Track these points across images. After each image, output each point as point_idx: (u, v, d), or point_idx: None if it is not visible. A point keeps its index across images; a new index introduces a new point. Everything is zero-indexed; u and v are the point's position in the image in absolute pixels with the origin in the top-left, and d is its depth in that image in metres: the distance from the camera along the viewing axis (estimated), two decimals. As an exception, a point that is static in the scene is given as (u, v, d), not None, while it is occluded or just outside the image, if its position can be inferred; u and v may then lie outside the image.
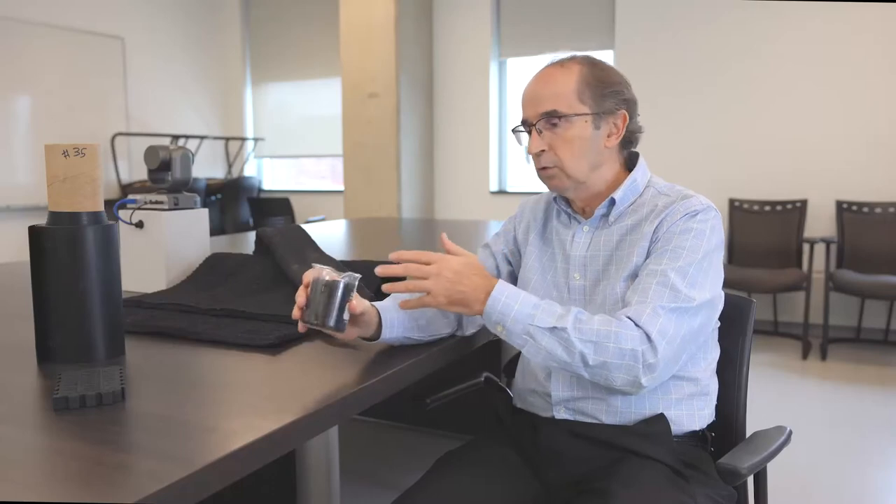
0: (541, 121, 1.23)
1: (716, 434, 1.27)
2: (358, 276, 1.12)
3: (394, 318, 1.20)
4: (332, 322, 1.10)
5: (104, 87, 5.76)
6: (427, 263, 1.11)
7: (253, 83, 6.87)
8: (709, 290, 1.16)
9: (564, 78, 1.23)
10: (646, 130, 1.32)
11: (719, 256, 1.21)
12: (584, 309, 1.25)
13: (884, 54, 4.38)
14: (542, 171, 1.27)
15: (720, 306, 1.22)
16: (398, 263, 1.12)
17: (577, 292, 1.27)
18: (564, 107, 1.22)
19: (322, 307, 1.10)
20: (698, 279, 1.15)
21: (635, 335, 1.09)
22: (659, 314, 1.10)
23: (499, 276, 1.39)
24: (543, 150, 1.24)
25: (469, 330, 1.34)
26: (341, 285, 1.09)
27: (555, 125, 1.22)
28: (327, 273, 1.10)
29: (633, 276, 1.20)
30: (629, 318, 1.11)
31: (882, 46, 4.38)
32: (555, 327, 1.09)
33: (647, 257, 1.20)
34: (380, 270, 1.12)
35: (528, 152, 1.26)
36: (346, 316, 1.10)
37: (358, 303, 1.13)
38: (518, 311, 1.10)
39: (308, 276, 1.13)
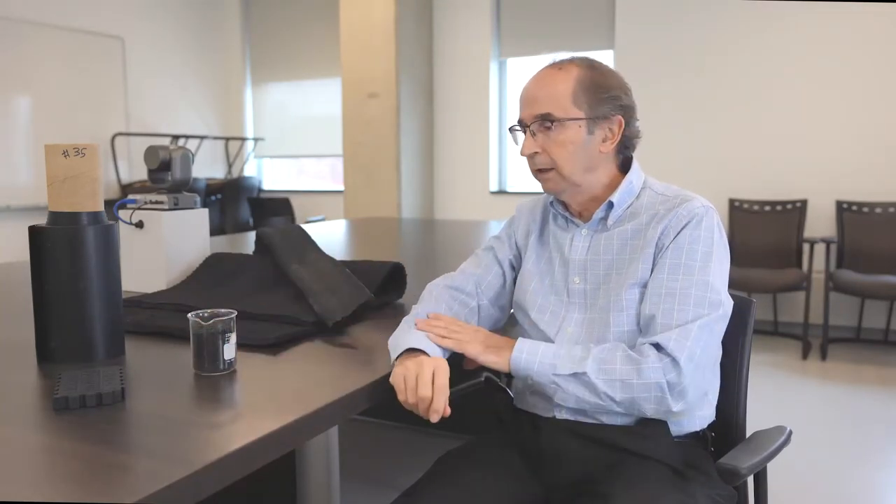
0: (535, 122, 1.23)
1: (716, 434, 1.27)
2: (229, 316, 1.09)
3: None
4: (209, 368, 1.08)
5: (104, 87, 5.76)
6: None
7: (253, 83, 6.87)
8: (726, 293, 1.18)
9: (561, 81, 1.22)
10: (646, 131, 1.31)
11: (728, 254, 1.22)
12: (585, 311, 1.25)
13: (884, 54, 4.38)
14: (537, 173, 1.27)
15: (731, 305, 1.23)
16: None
17: (578, 296, 1.27)
18: (559, 110, 1.21)
19: (202, 357, 1.08)
20: (717, 285, 1.16)
21: (659, 367, 1.10)
22: (687, 336, 1.11)
23: (504, 282, 1.38)
24: (537, 152, 1.24)
25: None
26: (204, 336, 1.07)
27: (548, 128, 1.22)
28: (200, 322, 1.08)
29: (642, 284, 1.20)
30: (656, 343, 1.12)
31: (882, 47, 4.38)
32: (576, 373, 1.12)
33: (654, 264, 1.20)
34: (421, 326, 1.20)
35: (521, 154, 1.26)
36: (226, 357, 1.08)
37: None
38: (540, 362, 1.14)
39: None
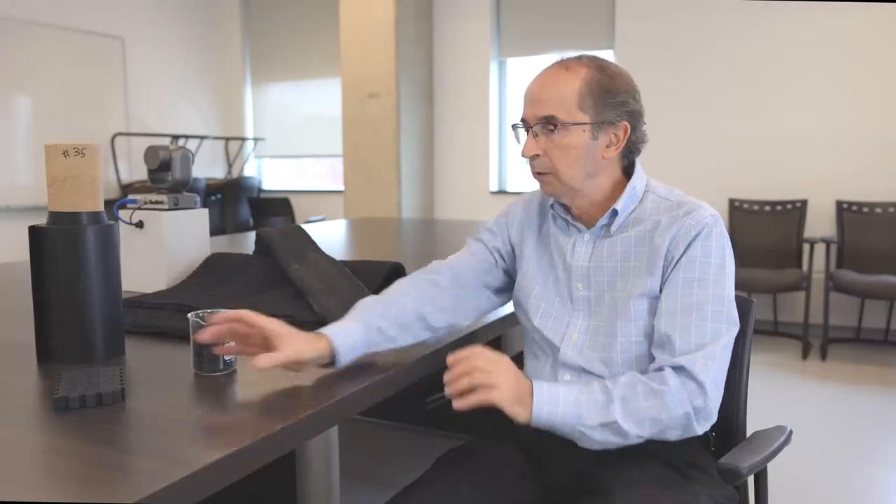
0: (538, 124, 1.20)
1: (716, 434, 1.27)
2: (201, 320, 1.09)
3: (356, 340, 1.14)
4: (209, 368, 1.09)
5: (104, 87, 5.76)
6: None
7: (253, 83, 6.86)
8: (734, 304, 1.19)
9: (568, 82, 1.18)
10: (646, 130, 1.29)
11: (734, 263, 1.22)
12: (589, 318, 1.24)
13: (884, 54, 4.38)
14: (536, 175, 1.25)
15: None
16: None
17: (582, 303, 1.26)
18: (563, 114, 1.18)
19: (202, 357, 1.09)
20: (732, 297, 1.17)
21: (684, 396, 1.10)
22: (713, 359, 1.12)
23: (492, 267, 1.37)
24: (537, 155, 1.21)
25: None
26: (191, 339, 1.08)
27: (551, 131, 1.19)
28: (200, 322, 1.08)
29: (650, 296, 1.19)
30: (679, 366, 1.11)
31: (882, 47, 4.38)
32: (604, 423, 1.09)
33: (664, 277, 1.18)
34: (448, 378, 1.11)
35: (522, 155, 1.23)
36: (225, 357, 1.09)
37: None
38: (563, 413, 1.10)
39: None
